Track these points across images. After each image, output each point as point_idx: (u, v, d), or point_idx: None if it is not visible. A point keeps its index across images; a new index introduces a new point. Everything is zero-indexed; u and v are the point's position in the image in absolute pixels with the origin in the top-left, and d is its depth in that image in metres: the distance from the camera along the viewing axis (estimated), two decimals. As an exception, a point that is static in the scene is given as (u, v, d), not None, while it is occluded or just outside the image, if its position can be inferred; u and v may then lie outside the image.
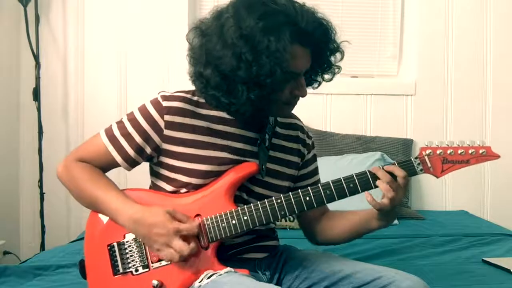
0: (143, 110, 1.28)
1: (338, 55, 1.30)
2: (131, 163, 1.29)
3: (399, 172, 1.21)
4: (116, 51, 2.83)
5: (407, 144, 2.84)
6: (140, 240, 1.23)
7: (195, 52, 1.23)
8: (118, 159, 1.28)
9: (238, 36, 1.14)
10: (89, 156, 1.30)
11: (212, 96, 1.22)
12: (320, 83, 1.34)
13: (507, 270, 1.66)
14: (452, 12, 2.91)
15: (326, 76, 1.33)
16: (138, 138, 1.26)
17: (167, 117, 1.25)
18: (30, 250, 2.75)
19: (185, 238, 1.17)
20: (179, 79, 2.75)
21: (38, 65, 2.69)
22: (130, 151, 1.27)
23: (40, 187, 2.69)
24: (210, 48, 1.18)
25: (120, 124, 1.29)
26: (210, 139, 1.27)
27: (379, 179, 1.21)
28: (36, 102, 2.69)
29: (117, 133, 1.28)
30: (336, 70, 1.32)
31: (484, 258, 1.80)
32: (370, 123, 2.91)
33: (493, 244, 2.04)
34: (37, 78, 2.68)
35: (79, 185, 1.27)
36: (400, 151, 2.78)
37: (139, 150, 1.27)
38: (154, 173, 1.34)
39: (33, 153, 2.73)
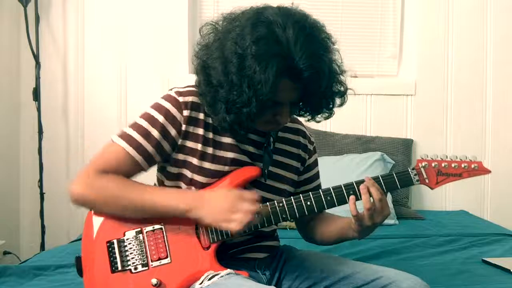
0: (159, 107, 1.25)
1: (340, 99, 1.26)
2: (149, 161, 1.25)
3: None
4: (116, 51, 2.83)
5: (407, 144, 2.84)
6: (205, 220, 1.18)
7: (200, 50, 1.23)
8: (138, 158, 1.23)
9: (233, 51, 1.13)
10: (109, 165, 1.24)
11: (200, 99, 1.24)
12: (311, 119, 1.30)
13: (507, 270, 1.67)
14: (452, 12, 2.91)
15: (317, 118, 1.29)
16: (155, 133, 1.23)
17: (186, 112, 1.24)
18: (30, 250, 2.75)
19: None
20: (179, 79, 2.76)
21: (38, 65, 2.69)
22: (149, 147, 1.23)
23: (40, 187, 2.69)
24: (210, 52, 1.18)
25: (134, 125, 1.26)
26: (220, 138, 1.27)
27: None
28: (36, 102, 2.69)
29: (133, 133, 1.24)
30: (331, 115, 1.28)
31: (484, 258, 1.80)
32: (370, 123, 2.92)
33: (493, 244, 2.04)
34: (37, 78, 2.69)
35: (114, 195, 1.21)
36: (400, 151, 2.78)
37: (157, 145, 1.24)
38: (160, 169, 1.33)
39: (33, 153, 2.73)
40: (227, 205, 1.16)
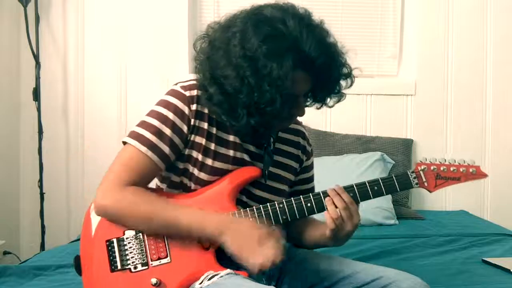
0: (167, 104, 1.24)
1: (347, 81, 1.28)
2: (165, 160, 1.24)
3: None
4: (116, 51, 2.83)
5: (407, 144, 2.84)
6: (230, 247, 1.15)
7: (201, 64, 1.23)
8: (155, 158, 1.22)
9: (242, 56, 1.13)
10: (131, 173, 1.21)
11: (214, 111, 1.22)
12: (322, 105, 1.32)
13: (507, 270, 1.66)
14: (452, 12, 2.91)
15: (330, 102, 1.31)
16: (168, 131, 1.22)
17: (193, 106, 1.24)
18: (30, 250, 2.75)
19: None
20: (179, 79, 2.75)
21: (38, 65, 2.69)
22: (164, 147, 1.23)
23: (40, 187, 2.69)
24: (215, 63, 1.17)
25: (145, 125, 1.24)
26: (223, 135, 1.27)
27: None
28: (36, 102, 2.69)
29: (146, 133, 1.22)
30: (342, 98, 1.30)
31: (484, 258, 1.80)
32: (370, 123, 2.92)
33: (493, 244, 2.04)
34: (37, 78, 2.69)
35: (145, 213, 1.19)
36: (400, 151, 2.78)
37: (171, 143, 1.23)
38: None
39: (33, 153, 2.73)
40: (256, 238, 1.13)
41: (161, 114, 1.24)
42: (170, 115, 1.23)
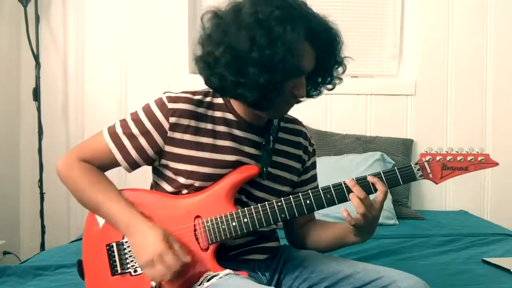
0: (148, 110, 1.27)
1: (340, 68, 1.30)
2: (132, 165, 1.28)
3: (380, 187, 1.19)
4: (116, 51, 2.83)
5: (407, 144, 2.84)
6: (133, 250, 1.19)
7: (208, 32, 1.21)
8: (119, 157, 1.26)
9: (254, 20, 1.14)
10: (91, 155, 1.28)
11: (218, 74, 1.18)
12: (319, 93, 1.34)
13: (507, 270, 1.67)
14: (452, 12, 2.91)
15: (328, 86, 1.32)
16: (142, 140, 1.25)
17: (172, 119, 1.24)
18: (30, 250, 2.75)
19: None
20: (179, 79, 2.76)
21: (38, 65, 2.69)
22: (132, 152, 1.26)
23: (40, 187, 2.69)
24: (225, 28, 1.17)
25: (123, 122, 1.28)
26: (214, 141, 1.27)
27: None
28: (36, 102, 2.69)
29: (120, 132, 1.27)
30: (337, 81, 1.32)
31: (484, 258, 1.80)
32: (370, 123, 2.92)
33: (493, 244, 2.04)
34: (37, 78, 2.69)
35: (80, 187, 1.25)
36: (400, 151, 2.78)
37: (141, 151, 1.26)
38: (156, 172, 1.33)
39: (33, 153, 2.73)
40: (156, 252, 1.14)
41: (139, 120, 1.26)
42: (147, 124, 1.25)
